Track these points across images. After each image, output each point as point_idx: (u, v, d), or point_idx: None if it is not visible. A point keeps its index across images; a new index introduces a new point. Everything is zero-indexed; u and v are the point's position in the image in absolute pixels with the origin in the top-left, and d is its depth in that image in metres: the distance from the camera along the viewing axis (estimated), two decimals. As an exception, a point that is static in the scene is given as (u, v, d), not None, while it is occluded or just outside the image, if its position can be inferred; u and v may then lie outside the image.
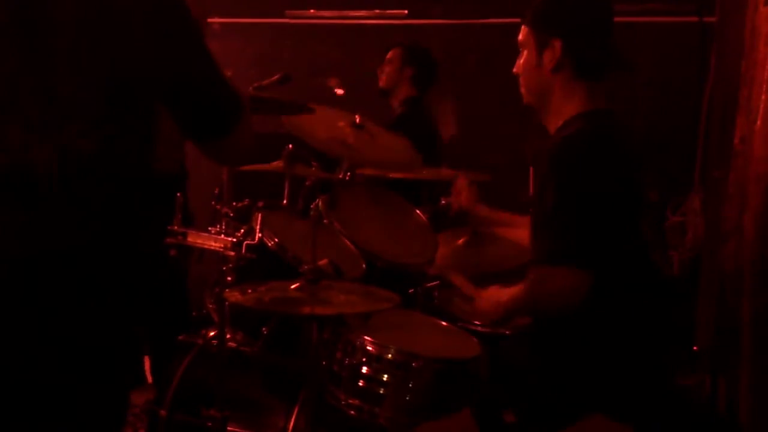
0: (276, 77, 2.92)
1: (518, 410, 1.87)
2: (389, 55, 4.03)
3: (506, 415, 1.89)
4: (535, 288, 1.88)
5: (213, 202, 2.77)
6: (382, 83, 4.04)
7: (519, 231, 2.46)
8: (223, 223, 2.49)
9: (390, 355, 2.09)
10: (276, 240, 2.40)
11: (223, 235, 2.38)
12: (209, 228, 2.46)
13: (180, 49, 1.36)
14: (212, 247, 2.33)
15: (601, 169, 1.83)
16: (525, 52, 2.02)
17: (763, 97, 2.49)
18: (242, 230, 2.41)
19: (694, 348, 3.04)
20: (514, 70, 2.06)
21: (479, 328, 2.48)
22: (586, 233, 1.80)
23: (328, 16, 4.72)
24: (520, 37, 2.03)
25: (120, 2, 1.28)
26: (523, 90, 2.05)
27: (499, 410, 1.89)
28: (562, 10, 1.98)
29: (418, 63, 4.00)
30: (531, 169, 3.50)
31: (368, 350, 2.10)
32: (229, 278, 2.30)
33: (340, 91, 3.97)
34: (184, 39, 1.37)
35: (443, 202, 2.82)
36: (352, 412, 2.10)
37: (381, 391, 2.08)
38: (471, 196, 2.65)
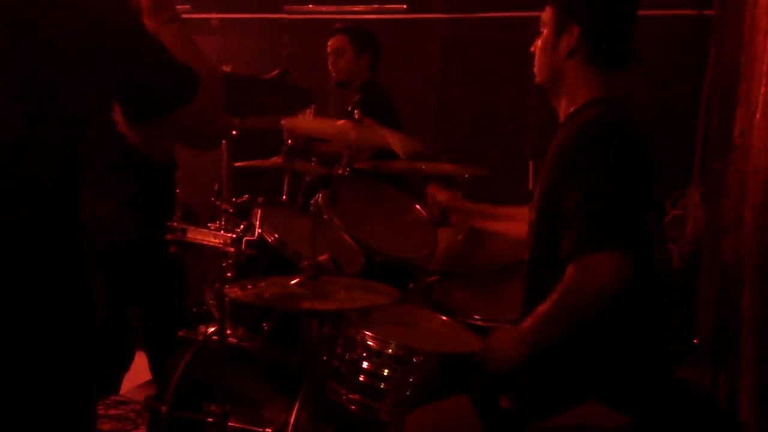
0: (275, 72, 2.92)
1: (515, 397, 1.87)
2: (336, 44, 3.91)
3: (503, 401, 1.89)
4: (579, 281, 1.76)
5: (212, 198, 2.77)
6: (340, 77, 3.92)
7: (508, 224, 2.47)
8: (223, 219, 2.49)
9: (390, 350, 2.09)
10: (276, 236, 2.40)
11: (222, 231, 2.38)
12: (209, 224, 2.46)
13: (107, 23, 1.29)
14: (212, 243, 2.33)
15: (622, 155, 1.82)
16: (544, 32, 2.00)
17: (762, 90, 2.49)
18: (242, 226, 2.41)
19: (694, 341, 3.05)
20: (532, 49, 2.05)
21: (479, 323, 2.49)
22: (621, 216, 1.76)
23: (326, 11, 4.71)
24: (544, 15, 2.01)
25: None
26: (536, 69, 2.03)
27: (497, 396, 1.89)
28: None
29: (371, 47, 3.91)
30: (530, 163, 3.51)
31: (369, 345, 2.11)
32: (229, 274, 2.30)
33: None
34: (112, 13, 1.30)
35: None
36: (353, 407, 2.10)
37: (381, 386, 2.08)
38: (448, 194, 2.65)
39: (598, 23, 1.95)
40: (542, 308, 1.82)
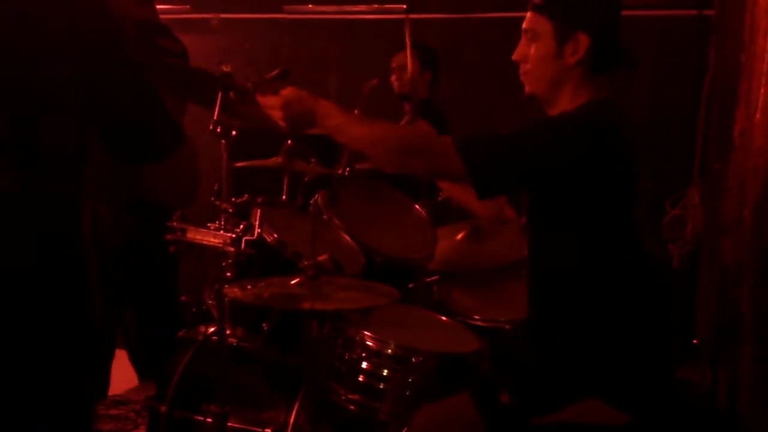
0: (274, 72, 2.91)
1: (515, 393, 1.87)
2: (400, 59, 3.93)
3: (503, 397, 1.89)
4: (425, 139, 1.89)
5: (212, 198, 2.77)
6: (403, 89, 3.97)
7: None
8: (222, 219, 2.49)
9: (390, 350, 2.10)
10: (275, 236, 2.40)
11: (222, 231, 2.37)
12: (208, 224, 2.46)
13: (104, 64, 1.27)
14: (211, 243, 2.33)
15: (576, 128, 1.82)
16: (540, 43, 1.92)
17: (762, 89, 2.49)
18: (241, 226, 2.41)
19: (694, 341, 3.05)
20: (515, 57, 1.97)
21: (479, 323, 2.49)
22: (517, 158, 1.79)
23: (326, 11, 4.71)
24: (527, 24, 1.93)
25: (36, 10, 1.19)
26: (529, 79, 1.96)
27: (497, 392, 1.89)
28: (588, 2, 1.92)
29: (434, 67, 3.99)
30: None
31: (368, 345, 2.11)
32: (228, 274, 2.30)
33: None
34: (110, 54, 1.28)
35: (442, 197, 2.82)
36: (353, 407, 2.11)
37: (381, 386, 2.09)
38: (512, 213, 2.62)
39: (605, 28, 1.90)
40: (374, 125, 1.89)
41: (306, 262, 2.04)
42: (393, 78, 4.05)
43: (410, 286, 2.66)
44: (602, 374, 1.83)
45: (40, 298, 1.25)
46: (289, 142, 2.84)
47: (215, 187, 2.77)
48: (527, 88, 1.98)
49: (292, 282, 2.03)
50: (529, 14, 1.93)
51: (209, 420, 2.27)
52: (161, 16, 3.20)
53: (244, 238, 2.32)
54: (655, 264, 1.90)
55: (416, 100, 3.94)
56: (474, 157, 1.79)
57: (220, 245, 2.30)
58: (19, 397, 1.25)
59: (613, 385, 1.81)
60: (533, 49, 1.93)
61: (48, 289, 1.26)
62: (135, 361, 3.49)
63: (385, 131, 1.92)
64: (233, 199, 2.55)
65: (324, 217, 2.59)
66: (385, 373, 2.08)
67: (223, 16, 4.87)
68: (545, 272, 1.91)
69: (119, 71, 1.29)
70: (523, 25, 1.95)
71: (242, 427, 2.33)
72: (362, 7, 4.67)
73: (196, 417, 2.34)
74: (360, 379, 2.10)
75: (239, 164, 2.76)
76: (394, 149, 1.90)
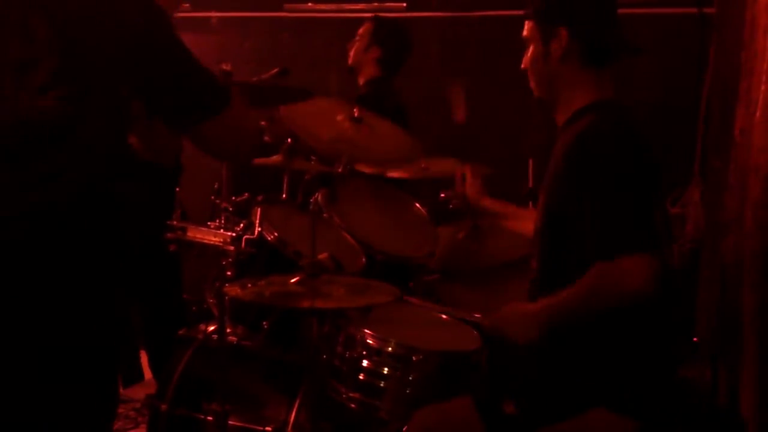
0: (274, 71, 2.91)
1: (519, 402, 1.87)
2: (360, 30, 3.81)
3: (507, 406, 1.88)
4: (609, 281, 1.74)
5: (212, 197, 2.77)
6: (349, 60, 3.82)
7: (523, 223, 2.45)
8: (223, 218, 2.49)
9: (390, 349, 2.09)
10: (275, 234, 2.40)
11: (222, 230, 2.38)
12: (209, 223, 2.46)
13: (149, 39, 1.44)
14: (212, 242, 2.33)
15: (625, 158, 1.82)
16: (531, 47, 2.00)
17: (762, 88, 2.49)
18: (242, 225, 2.41)
19: (694, 339, 3.04)
20: (522, 66, 2.05)
21: (479, 321, 2.48)
22: (645, 220, 1.77)
23: (326, 10, 4.71)
24: (524, 32, 2.01)
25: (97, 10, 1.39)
26: (532, 84, 2.04)
27: (500, 401, 1.89)
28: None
29: (386, 44, 3.74)
30: (530, 161, 3.51)
31: (368, 344, 2.11)
32: (228, 273, 2.30)
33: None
34: (153, 30, 1.45)
35: (442, 195, 2.81)
36: (353, 406, 2.10)
37: (381, 385, 2.08)
38: (477, 188, 2.61)
39: (584, 20, 1.94)
40: (564, 296, 1.80)
41: (306, 261, 2.04)
42: (348, 47, 3.84)
43: (411, 284, 2.66)
44: (609, 381, 1.82)
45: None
46: (289, 140, 2.84)
47: (215, 186, 2.77)
48: (534, 93, 2.05)
49: (293, 280, 2.03)
50: (525, 23, 2.02)
51: (210, 418, 2.27)
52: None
53: (244, 237, 2.32)
54: (667, 268, 1.88)
55: (366, 78, 3.76)
56: (625, 249, 1.74)
57: (221, 244, 2.31)
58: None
59: (619, 392, 1.80)
60: (528, 55, 2.01)
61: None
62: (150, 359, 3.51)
63: (583, 297, 1.80)
64: (233, 198, 2.56)
65: (324, 215, 2.59)
66: (385, 372, 2.08)
67: (222, 14, 4.86)
68: (555, 277, 1.90)
69: (167, 49, 1.48)
70: (522, 34, 2.03)
71: (243, 425, 2.33)
72: (362, 6, 4.66)
73: (197, 415, 2.34)
74: (360, 377, 2.10)
75: (241, 164, 2.76)
76: (589, 313, 1.81)
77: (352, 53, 3.81)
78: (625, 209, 1.76)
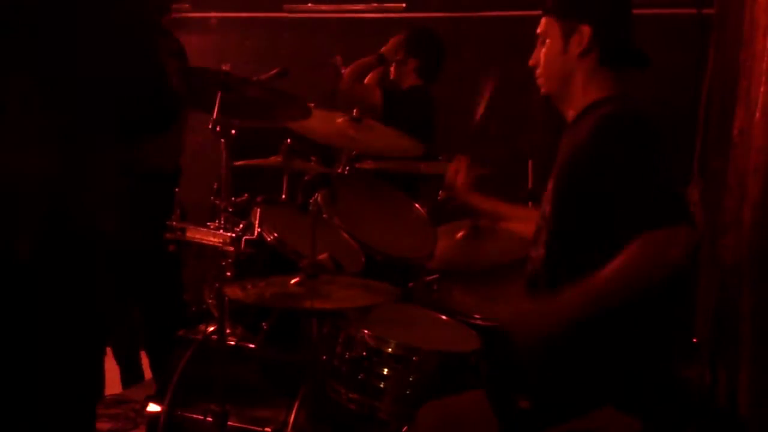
0: (274, 72, 2.91)
1: (535, 398, 1.86)
2: (392, 40, 3.87)
3: (521, 401, 1.87)
4: (655, 249, 1.70)
5: (212, 198, 2.77)
6: (391, 75, 3.92)
7: (520, 224, 2.45)
8: (222, 219, 2.49)
9: (390, 349, 2.09)
10: (275, 235, 2.40)
11: (222, 231, 2.38)
12: (208, 223, 2.46)
13: (120, 46, 1.46)
14: (211, 243, 2.33)
15: (658, 136, 1.86)
16: (548, 42, 2.00)
17: (761, 88, 2.49)
18: (241, 225, 2.41)
19: (694, 340, 3.04)
20: (531, 62, 2.05)
21: (479, 322, 2.48)
22: (681, 193, 1.82)
23: (326, 10, 4.71)
24: (540, 28, 2.02)
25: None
26: (542, 80, 2.03)
27: (515, 395, 1.88)
28: None
29: (421, 54, 3.85)
30: (530, 162, 3.51)
31: (368, 344, 2.11)
32: (228, 273, 2.30)
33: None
34: (127, 37, 1.48)
35: (442, 196, 2.81)
36: (353, 406, 2.10)
37: (381, 385, 2.08)
38: (467, 182, 2.60)
39: (607, 19, 1.96)
40: (603, 276, 1.73)
41: (306, 261, 2.04)
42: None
43: (410, 284, 2.66)
44: (615, 379, 1.81)
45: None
46: (289, 140, 2.84)
47: (215, 187, 2.77)
48: (542, 90, 2.04)
49: (292, 281, 2.03)
50: (542, 19, 2.02)
51: (209, 419, 2.27)
52: (161, 16, 3.21)
53: (243, 238, 2.32)
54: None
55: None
56: (672, 219, 1.73)
57: (220, 244, 2.31)
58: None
59: (624, 391, 1.80)
60: (544, 50, 2.01)
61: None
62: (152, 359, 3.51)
63: (629, 269, 1.74)
64: (233, 199, 2.56)
65: (324, 216, 2.59)
66: (385, 372, 2.08)
67: (222, 14, 4.86)
68: (562, 267, 1.89)
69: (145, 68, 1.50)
70: (537, 30, 2.03)
71: (242, 426, 2.33)
72: (362, 6, 4.67)
73: (196, 416, 2.34)
74: (360, 377, 2.10)
75: (239, 163, 2.77)
76: (632, 291, 1.76)
77: (392, 69, 3.92)
78: (667, 181, 1.78)
